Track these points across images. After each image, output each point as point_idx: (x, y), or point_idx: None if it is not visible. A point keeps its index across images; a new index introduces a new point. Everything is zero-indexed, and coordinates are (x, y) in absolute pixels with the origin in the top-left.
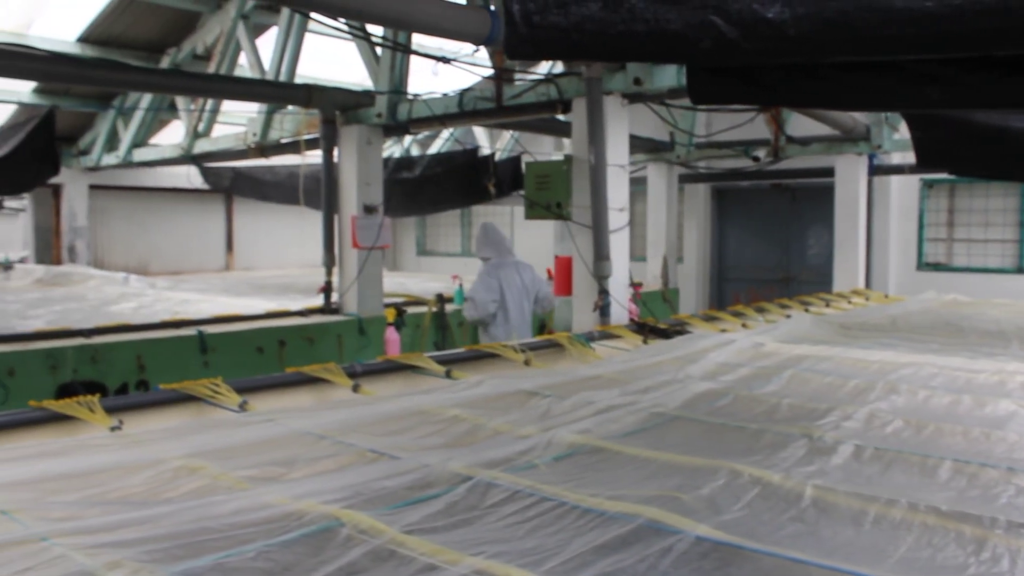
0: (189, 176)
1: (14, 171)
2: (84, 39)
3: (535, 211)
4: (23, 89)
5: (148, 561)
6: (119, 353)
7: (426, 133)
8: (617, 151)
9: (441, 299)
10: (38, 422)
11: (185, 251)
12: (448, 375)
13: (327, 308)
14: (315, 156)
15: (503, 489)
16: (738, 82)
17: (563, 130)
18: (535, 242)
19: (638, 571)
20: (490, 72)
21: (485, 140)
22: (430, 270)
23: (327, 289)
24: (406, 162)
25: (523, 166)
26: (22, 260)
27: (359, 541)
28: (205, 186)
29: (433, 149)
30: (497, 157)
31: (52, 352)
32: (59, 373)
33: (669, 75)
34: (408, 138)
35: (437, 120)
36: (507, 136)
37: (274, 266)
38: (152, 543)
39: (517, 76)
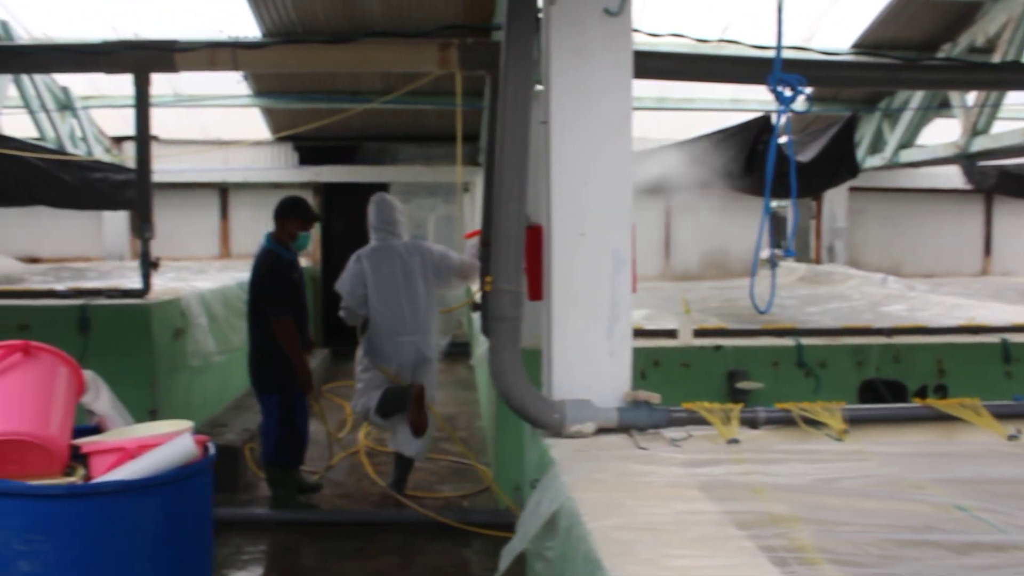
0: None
1: (811, 175)
2: (857, 45)
3: None
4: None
5: None
6: (919, 355)
7: None
8: None
9: None
10: (920, 419)
11: (938, 253)
12: None
13: None
14: None
15: None
16: None
17: None
18: None
19: None
20: None
21: None
22: None
23: None
24: None
25: None
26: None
27: None
28: (964, 186)
29: None
30: None
31: (859, 348)
32: (863, 369)
33: None
34: None
35: None
36: None
37: None
38: None
39: None
